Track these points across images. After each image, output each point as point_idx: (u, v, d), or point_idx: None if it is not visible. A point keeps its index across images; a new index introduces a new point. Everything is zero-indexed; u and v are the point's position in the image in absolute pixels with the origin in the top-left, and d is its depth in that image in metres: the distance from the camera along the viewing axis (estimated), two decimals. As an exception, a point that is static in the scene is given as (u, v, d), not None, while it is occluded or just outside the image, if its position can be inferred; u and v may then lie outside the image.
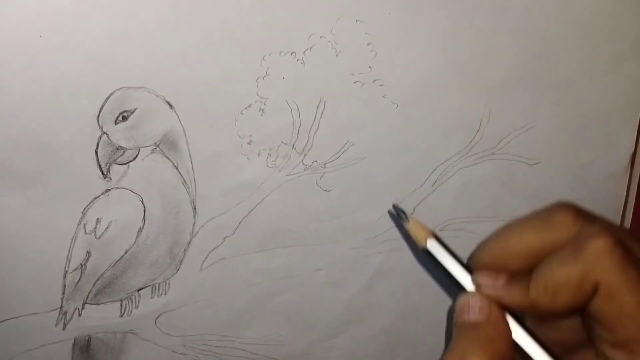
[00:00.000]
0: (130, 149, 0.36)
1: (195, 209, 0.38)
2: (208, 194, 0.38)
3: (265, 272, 0.40)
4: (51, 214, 0.36)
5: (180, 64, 0.35)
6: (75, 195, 0.36)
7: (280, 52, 0.36)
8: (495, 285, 0.30)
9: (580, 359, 0.30)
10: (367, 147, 0.39)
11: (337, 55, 0.37)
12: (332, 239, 0.40)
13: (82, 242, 0.37)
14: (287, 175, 0.39)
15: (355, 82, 0.37)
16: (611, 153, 0.41)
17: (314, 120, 0.38)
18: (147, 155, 0.36)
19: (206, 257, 0.39)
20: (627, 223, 0.43)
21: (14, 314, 0.38)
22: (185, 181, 0.37)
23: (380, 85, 0.38)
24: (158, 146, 0.36)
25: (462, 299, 0.30)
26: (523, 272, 0.30)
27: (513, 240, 0.31)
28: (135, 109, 0.35)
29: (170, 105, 0.36)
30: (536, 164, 0.41)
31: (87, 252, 0.37)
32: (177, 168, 0.37)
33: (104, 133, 0.35)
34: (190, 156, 0.37)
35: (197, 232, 0.38)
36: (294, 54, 0.36)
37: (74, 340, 0.39)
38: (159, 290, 0.39)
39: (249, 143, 0.37)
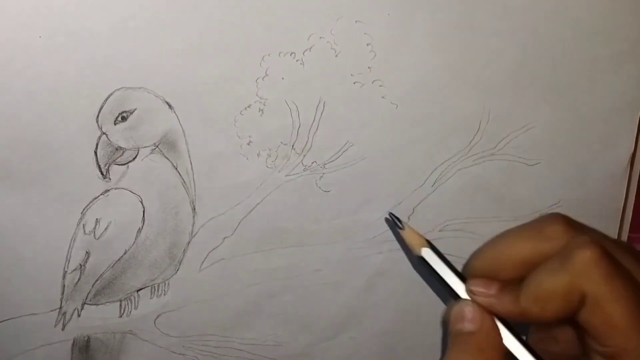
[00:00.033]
0: (130, 149, 0.36)
1: (194, 209, 0.38)
2: (207, 195, 0.38)
3: (265, 272, 0.40)
4: (50, 215, 0.36)
5: (180, 64, 0.35)
6: (74, 195, 0.36)
7: (280, 53, 0.36)
8: (488, 294, 0.30)
9: None
10: (367, 148, 0.39)
11: (336, 56, 0.37)
12: (332, 240, 0.40)
13: (81, 243, 0.37)
14: (286, 175, 0.39)
15: (354, 83, 0.37)
16: (611, 154, 0.41)
17: (314, 120, 0.38)
18: (147, 156, 0.36)
19: (205, 258, 0.39)
20: (627, 223, 0.43)
21: (13, 314, 0.38)
22: (184, 181, 0.37)
23: (380, 86, 0.38)
24: (157, 146, 0.36)
25: (455, 307, 0.31)
26: (516, 281, 0.30)
27: (506, 249, 0.31)
28: (135, 109, 0.35)
29: (170, 106, 0.36)
30: (536, 164, 0.41)
31: (87, 252, 0.37)
32: (176, 168, 0.37)
33: (104, 133, 0.35)
34: (189, 156, 0.37)
35: (197, 233, 0.38)
36: (293, 55, 0.36)
37: (73, 341, 0.39)
38: (158, 290, 0.39)
39: (248, 143, 0.37)
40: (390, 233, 0.40)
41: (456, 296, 0.31)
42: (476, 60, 0.38)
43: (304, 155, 0.38)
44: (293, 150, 0.38)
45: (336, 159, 0.39)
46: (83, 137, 0.35)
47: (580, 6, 0.38)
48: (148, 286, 0.39)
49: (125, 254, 0.38)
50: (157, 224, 0.37)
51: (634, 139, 0.41)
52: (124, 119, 0.35)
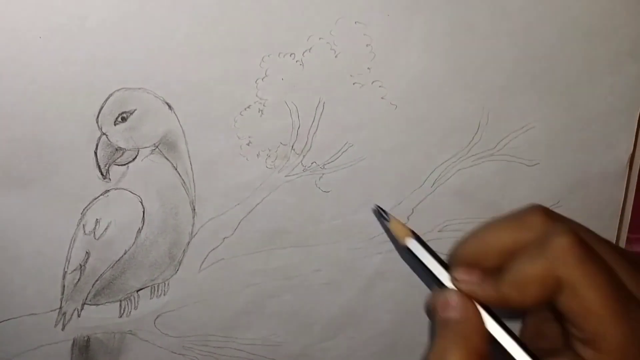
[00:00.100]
0: (130, 149, 0.36)
1: (194, 209, 0.38)
2: (207, 195, 0.38)
3: (264, 272, 0.40)
4: (50, 215, 0.36)
5: (180, 65, 0.35)
6: (74, 195, 0.36)
7: (280, 54, 0.36)
8: (470, 281, 0.31)
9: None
10: (366, 148, 0.39)
11: (336, 57, 0.37)
12: (331, 240, 0.40)
13: (81, 243, 0.37)
14: (286, 176, 0.39)
15: (354, 84, 0.37)
16: (610, 154, 0.41)
17: (313, 121, 0.38)
18: (147, 156, 0.37)
19: (205, 258, 0.39)
20: (626, 224, 0.43)
21: (13, 314, 0.38)
22: (184, 182, 0.37)
23: (379, 87, 0.38)
24: (157, 147, 0.37)
25: (440, 296, 0.32)
26: (498, 269, 0.31)
27: (488, 239, 0.32)
28: (135, 109, 0.35)
29: (170, 106, 0.36)
30: (535, 164, 0.41)
31: (87, 252, 0.37)
32: (176, 169, 0.37)
33: (104, 134, 0.35)
34: (189, 157, 0.37)
35: (196, 233, 0.38)
36: (293, 55, 0.36)
37: (73, 341, 0.39)
38: (158, 290, 0.39)
39: (248, 144, 0.37)
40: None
41: (441, 285, 0.32)
42: (475, 60, 0.38)
43: (304, 156, 0.38)
44: (293, 151, 0.38)
45: (336, 159, 0.39)
46: (83, 138, 0.35)
47: (579, 7, 0.38)
48: (148, 286, 0.39)
49: (125, 254, 0.38)
50: (157, 224, 0.38)
51: (633, 139, 0.41)
52: (124, 119, 0.35)
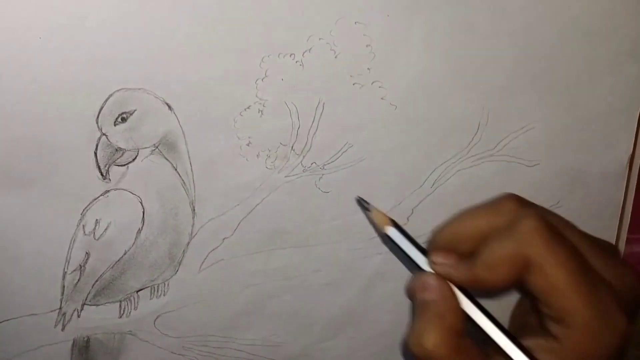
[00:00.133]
0: (130, 150, 0.36)
1: (194, 210, 0.38)
2: (207, 195, 0.38)
3: (264, 273, 0.40)
4: (50, 215, 0.36)
5: (179, 65, 0.35)
6: (74, 196, 0.36)
7: (279, 54, 0.36)
8: (446, 264, 0.33)
9: (533, 340, 0.33)
10: (366, 149, 0.39)
11: (336, 57, 0.37)
12: (331, 240, 0.40)
13: (81, 243, 0.37)
14: (285, 176, 0.39)
15: (354, 84, 0.37)
16: (609, 154, 0.41)
17: (313, 121, 0.38)
18: (146, 157, 0.37)
19: (205, 259, 0.39)
20: (625, 224, 0.43)
21: (13, 314, 0.38)
22: (184, 182, 0.37)
23: (379, 87, 0.38)
24: (157, 147, 0.37)
25: (418, 279, 0.33)
26: (474, 254, 0.33)
27: (464, 224, 0.34)
28: (135, 110, 0.35)
29: (170, 107, 0.36)
30: (535, 165, 0.41)
31: (86, 253, 0.37)
32: (176, 169, 0.37)
33: (103, 134, 0.35)
34: (189, 157, 0.37)
35: (196, 234, 0.38)
36: (292, 56, 0.36)
37: (73, 341, 0.39)
38: (157, 291, 0.39)
39: (247, 144, 0.37)
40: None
41: (419, 269, 0.34)
42: (475, 61, 0.38)
43: (304, 156, 0.38)
44: (292, 151, 0.38)
45: (335, 159, 0.39)
46: (83, 138, 0.35)
47: (579, 7, 0.38)
48: (148, 287, 0.39)
49: (125, 254, 0.38)
50: (157, 224, 0.38)
51: (633, 139, 0.41)
52: (123, 119, 0.35)
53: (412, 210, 0.41)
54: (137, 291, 0.39)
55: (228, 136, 0.37)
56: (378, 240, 0.41)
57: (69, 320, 0.38)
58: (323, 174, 0.39)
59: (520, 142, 0.40)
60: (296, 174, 0.39)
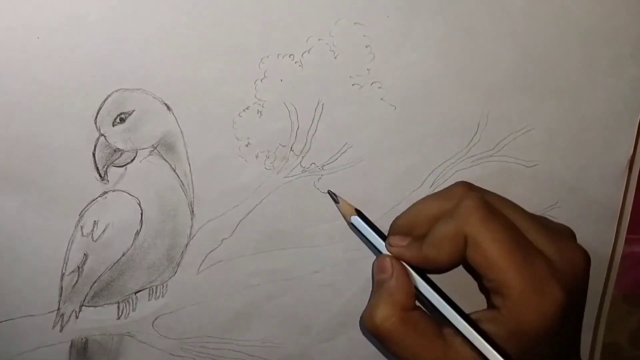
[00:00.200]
0: (128, 151, 0.36)
1: (192, 211, 0.38)
2: (206, 197, 0.38)
3: (263, 274, 0.40)
4: (48, 216, 0.36)
5: (178, 65, 0.35)
6: (72, 197, 0.36)
7: (279, 55, 0.36)
8: (400, 245, 0.36)
9: (480, 312, 0.35)
10: (365, 149, 0.39)
11: (335, 58, 0.36)
12: (330, 241, 0.40)
13: (79, 245, 0.37)
14: (285, 177, 0.38)
15: (353, 85, 0.37)
16: (609, 156, 0.41)
17: (312, 122, 0.38)
18: (145, 158, 0.36)
19: (204, 260, 0.39)
20: (625, 225, 0.43)
21: (11, 315, 0.38)
22: (182, 183, 0.37)
23: (379, 88, 0.38)
24: (156, 148, 0.36)
25: (377, 261, 0.37)
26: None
27: (419, 209, 0.38)
28: (133, 110, 0.35)
29: (168, 107, 0.36)
30: (534, 166, 0.41)
31: (84, 254, 0.37)
32: (174, 170, 0.37)
33: (102, 135, 0.35)
34: (188, 158, 0.37)
35: (195, 235, 0.38)
36: (292, 56, 0.36)
37: (71, 343, 0.39)
38: (156, 292, 0.39)
39: (246, 145, 0.37)
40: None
41: (379, 252, 0.37)
42: (475, 62, 0.38)
43: (303, 157, 0.38)
44: (292, 152, 0.38)
45: (334, 160, 0.39)
46: (81, 139, 0.35)
47: (580, 8, 0.38)
48: (146, 288, 0.39)
49: (123, 256, 0.38)
50: (155, 226, 0.37)
51: (634, 141, 0.41)
52: (122, 120, 0.35)
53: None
54: (136, 292, 0.39)
55: (227, 137, 0.37)
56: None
57: (67, 322, 0.38)
58: (322, 175, 0.39)
59: (520, 143, 0.40)
60: (295, 175, 0.39)
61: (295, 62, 0.36)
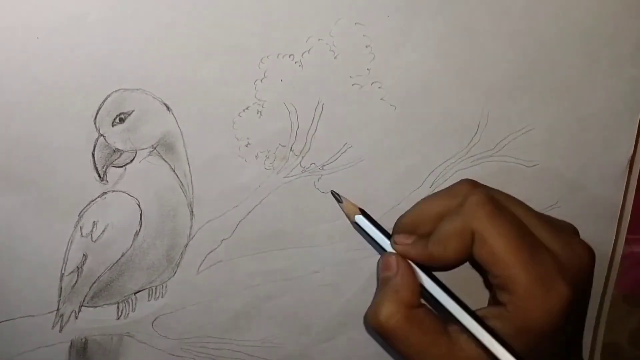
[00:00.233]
0: (127, 151, 0.36)
1: (192, 211, 0.38)
2: (205, 197, 0.38)
3: (263, 274, 0.40)
4: (47, 217, 0.36)
5: (178, 65, 0.35)
6: (71, 197, 0.36)
7: (278, 55, 0.36)
8: (405, 243, 0.36)
9: (486, 309, 0.35)
10: (365, 149, 0.39)
11: (335, 58, 0.36)
12: (330, 241, 0.40)
13: (78, 245, 0.37)
14: (284, 177, 0.38)
15: (353, 85, 0.37)
16: (610, 156, 0.41)
17: (312, 122, 0.38)
18: (144, 158, 0.36)
19: (203, 260, 0.39)
20: (625, 225, 0.43)
21: (10, 315, 0.38)
22: (182, 184, 0.37)
23: (379, 88, 0.38)
24: (155, 148, 0.36)
25: (382, 259, 0.36)
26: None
27: (423, 208, 0.38)
28: (133, 110, 0.35)
29: (168, 107, 0.36)
30: (534, 166, 0.41)
31: (84, 255, 0.37)
32: (174, 171, 0.37)
33: (101, 135, 0.35)
34: (187, 158, 0.37)
35: (194, 235, 0.38)
36: (292, 57, 0.36)
37: (71, 343, 0.39)
38: (155, 293, 0.39)
39: (246, 145, 0.37)
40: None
41: (384, 251, 0.37)
42: (475, 62, 0.38)
43: (303, 157, 0.38)
44: (291, 152, 0.38)
45: (334, 160, 0.39)
46: (80, 139, 0.35)
47: (580, 8, 0.38)
48: (146, 289, 0.39)
49: (122, 256, 0.37)
50: (155, 226, 0.37)
51: (634, 141, 0.41)
52: (121, 120, 0.35)
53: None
54: (135, 293, 0.39)
55: (227, 137, 0.37)
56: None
57: (66, 322, 0.38)
58: (322, 175, 0.39)
59: (520, 143, 0.40)
60: (295, 175, 0.39)
61: (295, 62, 0.36)
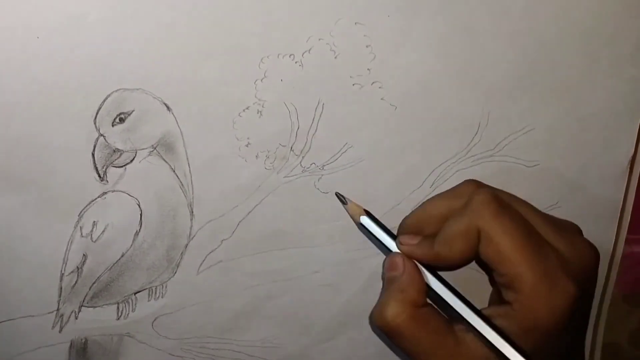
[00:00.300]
0: (127, 151, 0.36)
1: (192, 212, 0.38)
2: (205, 197, 0.38)
3: (263, 274, 0.40)
4: (47, 217, 0.36)
5: (178, 65, 0.35)
6: (71, 198, 0.36)
7: (279, 55, 0.36)
8: (411, 244, 0.36)
9: (492, 308, 0.35)
10: (365, 149, 0.39)
11: (335, 58, 0.36)
12: (330, 241, 0.40)
13: (78, 245, 0.37)
14: (285, 177, 0.38)
15: (353, 85, 0.37)
16: (610, 156, 0.41)
17: (312, 122, 0.38)
18: (144, 158, 0.36)
19: (203, 260, 0.39)
20: (625, 225, 0.43)
21: (10, 316, 0.38)
22: (182, 184, 0.37)
23: (379, 88, 0.38)
24: (155, 148, 0.36)
25: (388, 259, 0.37)
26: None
27: (429, 209, 0.38)
28: (133, 110, 0.35)
29: (168, 107, 0.36)
30: (534, 166, 0.41)
31: (84, 255, 0.37)
32: (174, 171, 0.37)
33: (101, 135, 0.35)
34: (187, 159, 0.37)
35: (194, 235, 0.38)
36: (292, 56, 0.36)
37: (71, 343, 0.39)
38: (155, 293, 0.39)
39: (246, 145, 0.37)
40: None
41: (390, 251, 0.37)
42: (476, 62, 0.38)
43: (303, 157, 0.38)
44: (292, 152, 0.38)
45: (335, 160, 0.39)
46: (80, 139, 0.35)
47: (580, 8, 0.38)
48: (146, 289, 0.39)
49: (122, 256, 0.37)
50: (155, 226, 0.37)
51: (635, 141, 0.41)
52: (121, 120, 0.35)
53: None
54: (135, 293, 0.39)
55: (227, 137, 0.37)
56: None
57: (66, 322, 0.38)
58: (322, 175, 0.39)
59: (520, 143, 0.40)
60: (295, 175, 0.39)
61: (296, 62, 0.36)
